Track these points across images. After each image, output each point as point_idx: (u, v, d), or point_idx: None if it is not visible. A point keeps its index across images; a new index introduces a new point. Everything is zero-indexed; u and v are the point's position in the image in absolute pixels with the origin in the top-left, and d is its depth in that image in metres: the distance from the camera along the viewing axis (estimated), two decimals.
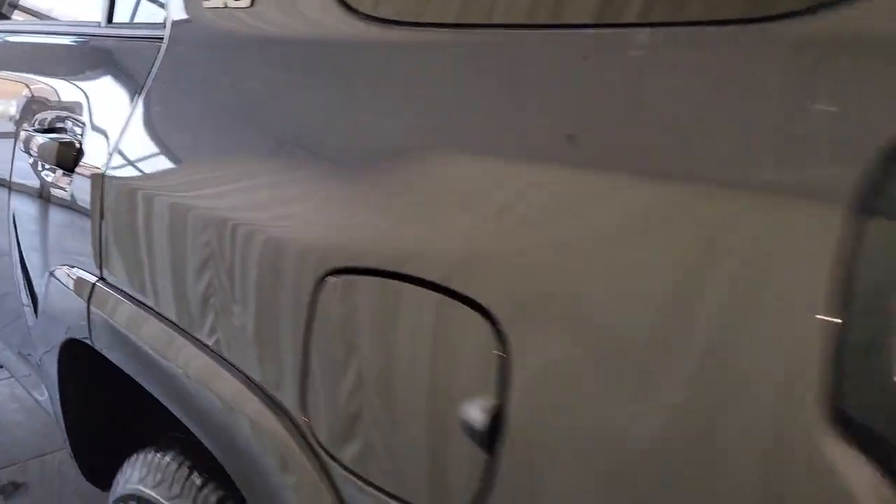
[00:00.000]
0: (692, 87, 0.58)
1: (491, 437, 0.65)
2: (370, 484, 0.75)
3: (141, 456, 1.38)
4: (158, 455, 1.34)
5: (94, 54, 1.40)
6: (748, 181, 0.53)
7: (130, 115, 1.14)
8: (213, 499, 1.19)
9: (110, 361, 1.23)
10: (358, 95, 0.81)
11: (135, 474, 1.38)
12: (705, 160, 0.55)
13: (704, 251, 0.54)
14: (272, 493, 0.84)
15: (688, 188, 0.56)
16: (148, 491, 1.32)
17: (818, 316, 0.48)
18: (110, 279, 1.14)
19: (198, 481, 1.23)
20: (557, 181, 0.63)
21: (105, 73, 1.32)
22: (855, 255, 0.47)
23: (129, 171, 1.09)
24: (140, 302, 1.06)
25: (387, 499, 0.74)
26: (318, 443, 0.79)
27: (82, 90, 1.37)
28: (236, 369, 0.88)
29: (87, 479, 1.75)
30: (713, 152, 0.55)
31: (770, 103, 0.53)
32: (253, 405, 0.85)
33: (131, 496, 1.37)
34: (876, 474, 0.46)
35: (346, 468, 0.77)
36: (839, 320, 0.48)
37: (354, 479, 0.76)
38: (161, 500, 1.28)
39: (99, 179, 1.15)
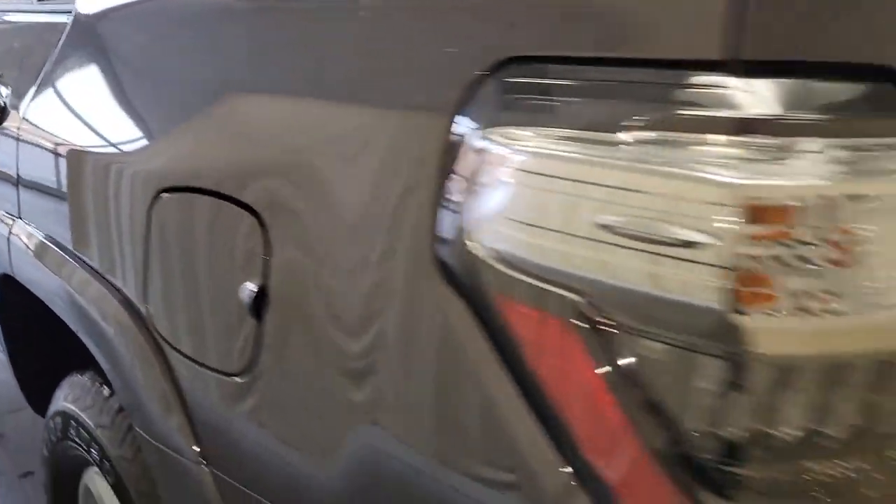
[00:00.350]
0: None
1: (259, 308, 0.86)
2: (187, 357, 0.96)
3: (67, 379, 1.60)
4: (79, 376, 1.55)
5: (25, 29, 1.62)
6: (399, 103, 0.73)
7: (41, 78, 1.35)
8: (115, 406, 1.40)
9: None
10: (186, 50, 1.02)
11: (61, 395, 1.60)
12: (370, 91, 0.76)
13: (375, 154, 0.75)
14: (124, 370, 1.05)
15: (370, 111, 0.76)
16: (70, 406, 1.54)
17: (429, 200, 0.69)
18: (25, 215, 1.36)
19: (105, 393, 1.44)
20: (302, 113, 0.84)
21: (31, 44, 1.53)
22: (451, 154, 0.68)
23: (34, 124, 1.30)
24: (43, 231, 1.28)
25: (198, 367, 0.95)
26: (154, 327, 1.01)
27: (14, 59, 1.58)
28: (100, 275, 1.09)
29: (37, 413, 1.96)
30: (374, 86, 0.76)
31: (414, 46, 0.74)
32: (110, 301, 1.06)
33: (58, 413, 1.59)
34: (455, 294, 0.67)
35: (171, 345, 0.98)
36: (439, 202, 0.68)
37: (177, 353, 0.98)
38: (78, 412, 1.50)
39: (15, 131, 1.36)
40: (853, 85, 0.53)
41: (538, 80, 0.63)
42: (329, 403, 0.81)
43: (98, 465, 1.44)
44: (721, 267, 0.50)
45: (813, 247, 0.50)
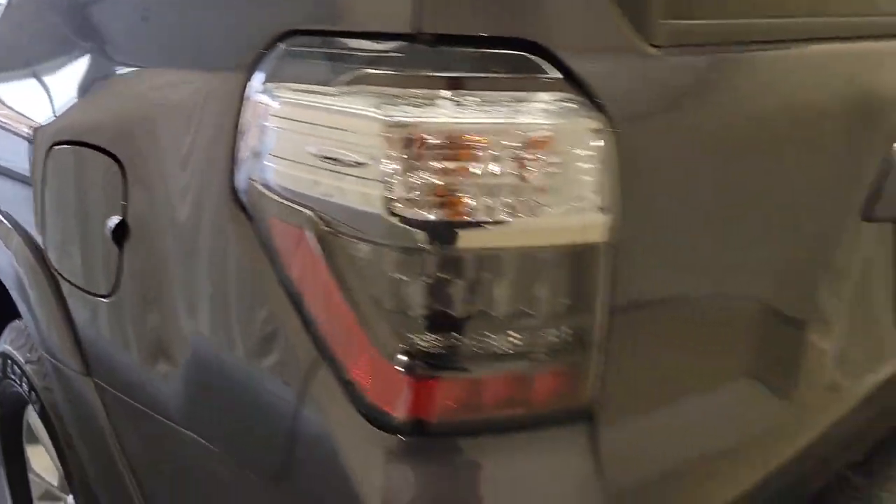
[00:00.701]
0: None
1: (119, 238, 1.04)
2: (71, 283, 1.14)
3: (9, 325, 1.79)
4: (18, 321, 1.73)
5: None
6: (215, 66, 0.91)
7: None
8: None
9: None
10: (76, 30, 1.20)
11: (3, 339, 1.78)
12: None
13: (197, 108, 0.92)
14: (28, 296, 1.24)
15: (195, 74, 0.94)
16: (8, 347, 1.72)
17: (230, 142, 0.86)
18: None
19: None
20: (149, 78, 1.01)
21: None
22: (244, 106, 0.85)
23: None
24: None
25: (79, 291, 1.13)
26: (49, 259, 1.19)
27: None
28: (14, 220, 1.28)
29: None
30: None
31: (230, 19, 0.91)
32: (19, 241, 1.25)
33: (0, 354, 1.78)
34: (246, 218, 0.84)
35: (61, 276, 1.16)
36: (236, 144, 0.86)
37: (63, 281, 1.16)
38: (14, 351, 1.68)
39: None
40: (498, 51, 0.71)
41: (300, 48, 0.80)
42: (167, 315, 0.99)
43: (28, 397, 1.62)
44: (377, 181, 0.67)
45: (456, 164, 0.68)
